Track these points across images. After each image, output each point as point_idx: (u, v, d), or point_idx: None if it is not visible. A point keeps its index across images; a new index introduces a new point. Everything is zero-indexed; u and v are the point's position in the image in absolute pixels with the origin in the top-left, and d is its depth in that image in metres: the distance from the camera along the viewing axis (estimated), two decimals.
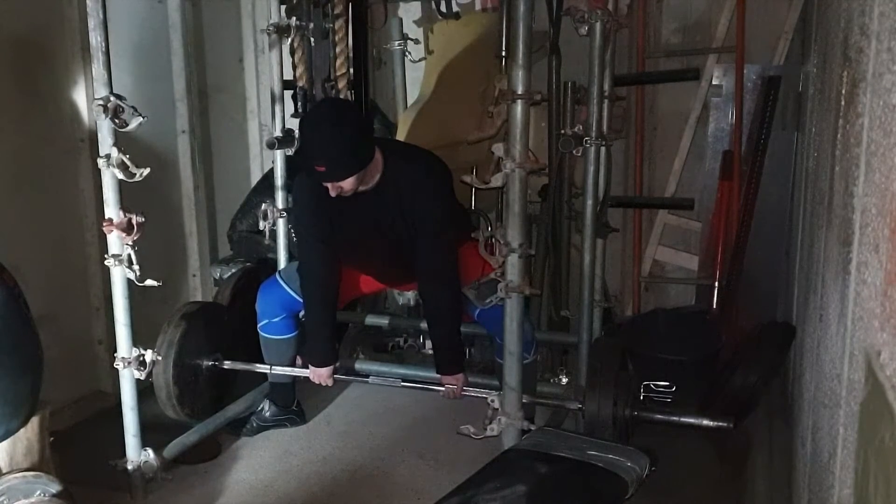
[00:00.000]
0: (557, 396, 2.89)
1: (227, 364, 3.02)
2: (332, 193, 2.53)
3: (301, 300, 2.89)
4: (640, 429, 2.52)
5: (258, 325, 3.01)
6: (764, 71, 3.74)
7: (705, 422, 2.41)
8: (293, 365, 3.03)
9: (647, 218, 4.12)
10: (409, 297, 3.78)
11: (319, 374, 2.89)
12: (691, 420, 2.44)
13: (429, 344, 3.37)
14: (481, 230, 2.30)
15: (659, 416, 2.49)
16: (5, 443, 2.17)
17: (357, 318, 3.39)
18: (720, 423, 2.39)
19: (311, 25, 3.05)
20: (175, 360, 2.79)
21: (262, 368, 3.02)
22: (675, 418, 2.47)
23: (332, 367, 2.89)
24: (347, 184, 2.50)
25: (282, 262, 3.32)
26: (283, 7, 3.08)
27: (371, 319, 3.36)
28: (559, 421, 2.70)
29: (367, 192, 2.61)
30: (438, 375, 2.80)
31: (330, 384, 2.94)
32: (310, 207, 2.75)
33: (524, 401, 2.37)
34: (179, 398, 2.82)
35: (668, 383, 2.49)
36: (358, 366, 3.02)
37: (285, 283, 2.95)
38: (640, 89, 3.96)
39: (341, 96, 3.07)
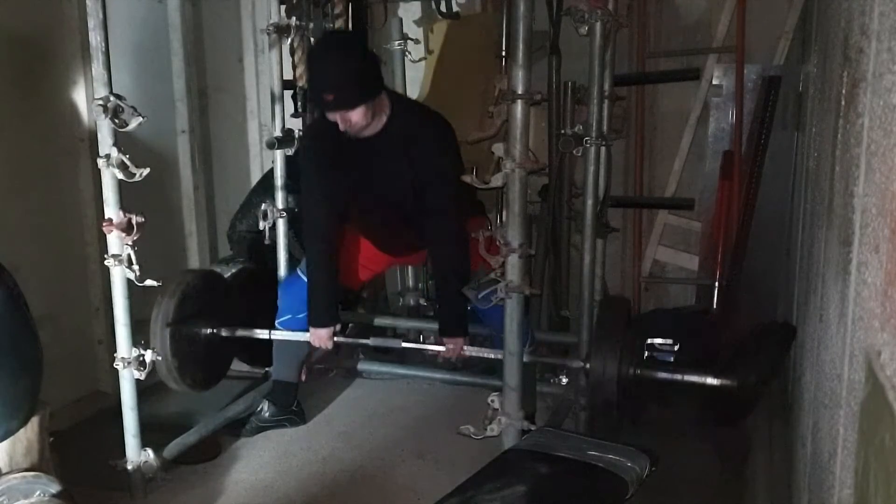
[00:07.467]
0: (559, 388, 2.89)
1: (225, 332, 2.95)
2: (342, 127, 2.50)
3: None
4: (641, 428, 2.52)
5: (277, 321, 2.99)
6: (764, 71, 3.74)
7: (709, 380, 2.41)
8: (302, 365, 3.01)
9: (647, 218, 4.12)
10: (409, 298, 3.78)
11: (319, 336, 2.85)
12: (695, 378, 2.43)
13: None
14: (481, 230, 2.29)
15: (662, 374, 2.48)
16: (5, 443, 2.16)
17: (359, 318, 3.39)
18: (725, 381, 2.38)
19: (311, 25, 3.06)
20: (172, 332, 2.72)
21: (261, 334, 2.98)
22: (678, 376, 2.46)
23: (332, 328, 2.85)
24: (356, 115, 2.47)
25: (281, 262, 3.31)
26: (283, 7, 3.08)
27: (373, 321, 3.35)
28: (559, 421, 2.70)
29: (374, 139, 2.59)
30: (440, 336, 2.78)
31: (329, 346, 2.89)
32: (316, 159, 2.73)
33: (525, 360, 2.36)
34: (180, 369, 2.77)
35: (671, 340, 2.49)
36: (359, 366, 3.02)
37: (306, 276, 2.93)
38: (640, 89, 3.96)
39: None
